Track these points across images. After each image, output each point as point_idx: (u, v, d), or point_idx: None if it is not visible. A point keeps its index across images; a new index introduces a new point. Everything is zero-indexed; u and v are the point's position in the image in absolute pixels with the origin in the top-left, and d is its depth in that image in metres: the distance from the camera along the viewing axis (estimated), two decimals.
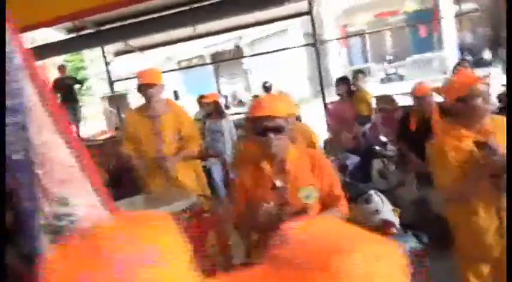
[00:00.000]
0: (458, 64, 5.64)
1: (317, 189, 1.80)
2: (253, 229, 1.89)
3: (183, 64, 19.40)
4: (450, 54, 14.16)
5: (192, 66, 17.85)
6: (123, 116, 7.43)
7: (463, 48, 14.47)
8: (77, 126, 8.34)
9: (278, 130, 1.75)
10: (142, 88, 2.93)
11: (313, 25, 6.10)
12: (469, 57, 15.56)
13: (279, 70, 14.10)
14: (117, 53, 7.24)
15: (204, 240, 2.42)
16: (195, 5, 5.29)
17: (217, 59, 18.99)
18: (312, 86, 15.92)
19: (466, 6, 14.17)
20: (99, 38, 5.81)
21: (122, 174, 3.87)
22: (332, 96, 5.76)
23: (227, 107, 18.16)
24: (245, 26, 7.49)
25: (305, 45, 7.09)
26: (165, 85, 3.04)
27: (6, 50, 0.89)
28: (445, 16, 13.35)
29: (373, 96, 5.36)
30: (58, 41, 5.93)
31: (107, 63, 6.98)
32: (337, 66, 14.78)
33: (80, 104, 8.52)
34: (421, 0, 14.23)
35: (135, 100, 7.99)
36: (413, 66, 15.26)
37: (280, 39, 14.87)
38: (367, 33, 15.33)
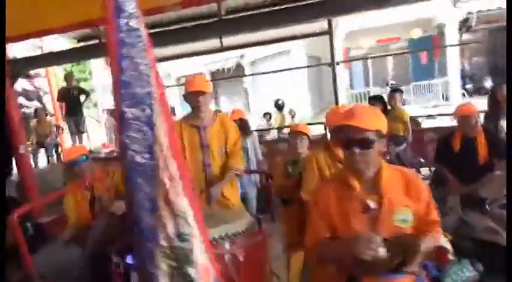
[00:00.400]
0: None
1: (412, 212, 1.60)
2: (339, 263, 1.59)
3: (182, 81, 19.41)
4: (453, 81, 14.26)
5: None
6: None
7: (465, 76, 14.60)
8: (80, 138, 8.15)
9: (366, 144, 1.55)
10: (191, 96, 2.70)
11: (331, 45, 6.04)
12: (470, 86, 15.72)
13: (281, 90, 14.07)
14: None
15: (263, 266, 2.30)
16: (198, 22, 5.27)
17: (217, 77, 18.92)
18: (313, 106, 15.92)
19: (468, 36, 14.37)
20: (104, 49, 5.71)
21: None
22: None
23: None
24: (249, 44, 7.46)
25: (321, 64, 7.03)
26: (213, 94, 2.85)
27: (137, 59, 0.76)
28: (448, 44, 13.49)
29: (409, 116, 5.18)
30: (66, 50, 5.86)
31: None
32: (341, 88, 14.78)
33: (84, 115, 8.32)
34: (423, 28, 14.40)
35: None
36: (416, 92, 15.33)
37: (283, 59, 14.92)
38: (371, 57, 15.40)
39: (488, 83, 13.75)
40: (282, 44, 10.45)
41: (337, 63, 6.27)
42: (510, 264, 1.49)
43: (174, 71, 17.76)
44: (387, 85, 16.42)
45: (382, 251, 1.41)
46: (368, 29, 13.90)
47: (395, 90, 5.44)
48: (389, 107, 5.11)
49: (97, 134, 11.66)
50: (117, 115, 0.81)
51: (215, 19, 5.08)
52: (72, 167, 3.01)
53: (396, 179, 1.63)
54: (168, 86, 14.58)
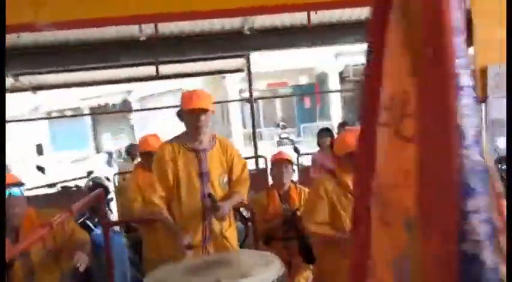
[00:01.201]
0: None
1: None
2: None
3: (54, 115, 17.33)
4: (335, 124, 15.55)
5: (62, 117, 15.89)
6: None
7: (344, 122, 16.01)
8: None
9: None
10: (191, 115, 2.19)
11: (249, 82, 6.18)
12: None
13: (173, 128, 13.40)
14: None
15: None
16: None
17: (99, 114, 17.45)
18: None
19: (346, 86, 16.02)
20: None
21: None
22: None
23: (110, 165, 16.49)
24: (138, 78, 6.93)
25: (241, 100, 7.32)
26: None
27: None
28: (328, 91, 14.82)
29: None
30: None
31: None
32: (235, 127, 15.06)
33: None
34: (309, 75, 15.65)
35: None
36: (304, 133, 16.25)
37: (175, 96, 14.42)
38: (264, 98, 16.13)
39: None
40: (176, 81, 10.05)
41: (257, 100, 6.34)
42: (510, 264, 1.22)
43: (42, 104, 15.66)
44: (278, 126, 17.13)
45: None
46: (260, 73, 14.48)
47: (342, 124, 5.78)
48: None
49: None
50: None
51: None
52: None
53: None
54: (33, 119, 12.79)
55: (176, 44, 5.10)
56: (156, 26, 4.22)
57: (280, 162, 2.85)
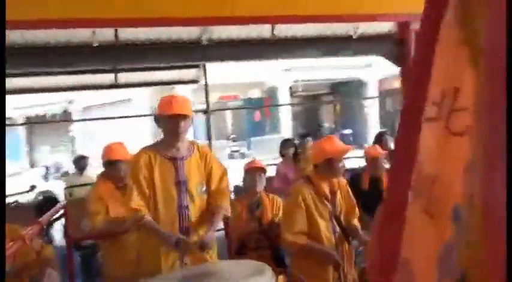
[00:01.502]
0: None
1: None
2: None
3: None
4: (286, 137, 15.86)
5: None
6: None
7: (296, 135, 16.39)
8: None
9: None
10: (170, 121, 2.10)
11: (206, 93, 6.15)
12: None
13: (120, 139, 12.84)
14: None
15: None
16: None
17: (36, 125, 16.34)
18: None
19: (295, 100, 16.45)
20: None
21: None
22: None
23: (46, 179, 15.38)
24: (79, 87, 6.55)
25: (199, 111, 7.15)
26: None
27: None
28: (280, 104, 15.11)
29: None
30: None
31: None
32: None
33: None
34: (260, 89, 15.88)
35: None
36: (255, 146, 16.34)
37: (123, 108, 13.90)
38: (214, 110, 16.09)
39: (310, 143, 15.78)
40: (123, 92, 9.71)
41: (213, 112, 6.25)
42: (510, 264, 1.28)
43: None
44: (229, 139, 17.11)
45: None
46: (212, 85, 14.43)
47: (305, 135, 5.92)
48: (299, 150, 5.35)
49: None
50: None
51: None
52: None
53: None
54: None
55: (131, 52, 4.94)
56: (116, 32, 4.07)
57: (253, 171, 2.85)
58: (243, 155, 15.73)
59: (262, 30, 4.89)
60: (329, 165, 2.28)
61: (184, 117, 2.11)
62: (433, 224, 0.73)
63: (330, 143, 2.41)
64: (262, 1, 4.30)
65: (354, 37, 4.83)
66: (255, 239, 2.68)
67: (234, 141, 17.36)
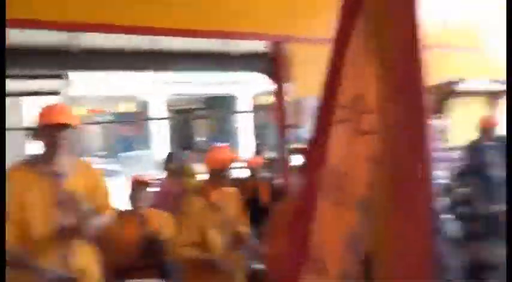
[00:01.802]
0: None
1: None
2: None
3: None
4: (157, 153, 15.37)
5: None
6: None
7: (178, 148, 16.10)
8: None
9: None
10: (47, 131, 1.90)
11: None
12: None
13: None
14: None
15: None
16: None
17: None
18: None
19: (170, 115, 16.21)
20: None
21: None
22: None
23: None
24: None
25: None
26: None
27: None
28: (151, 118, 14.81)
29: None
30: None
31: None
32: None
33: None
34: (128, 103, 15.29)
35: None
36: (126, 162, 15.42)
37: None
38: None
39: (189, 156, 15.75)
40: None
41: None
42: (510, 264, 1.50)
43: None
44: (97, 156, 15.87)
45: None
46: (81, 97, 13.32)
47: (186, 147, 5.79)
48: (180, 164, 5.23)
49: None
50: None
51: None
52: None
53: None
54: None
55: None
56: None
57: (137, 185, 2.71)
58: (114, 172, 14.73)
59: (138, 41, 4.73)
60: (218, 175, 2.38)
61: (65, 126, 1.91)
62: (341, 212, 0.82)
63: (220, 152, 2.53)
64: (139, 10, 4.18)
65: (231, 54, 5.04)
66: (142, 257, 2.53)
67: (102, 157, 16.18)
